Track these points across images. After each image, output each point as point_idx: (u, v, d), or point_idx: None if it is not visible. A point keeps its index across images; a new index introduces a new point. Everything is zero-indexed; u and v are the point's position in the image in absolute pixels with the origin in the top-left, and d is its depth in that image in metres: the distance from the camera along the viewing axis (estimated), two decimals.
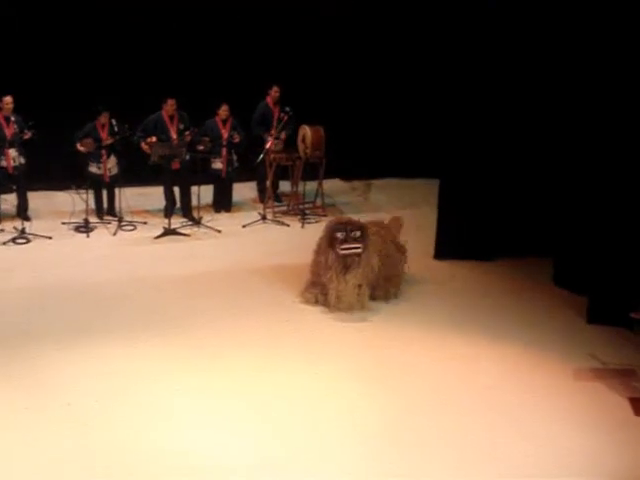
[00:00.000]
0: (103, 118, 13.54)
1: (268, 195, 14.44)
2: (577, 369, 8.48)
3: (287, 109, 14.12)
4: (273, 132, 14.32)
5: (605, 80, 9.68)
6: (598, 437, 7.13)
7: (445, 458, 6.86)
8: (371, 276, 9.94)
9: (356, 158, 16.01)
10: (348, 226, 9.83)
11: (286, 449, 6.99)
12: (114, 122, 13.45)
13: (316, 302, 10.15)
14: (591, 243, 9.91)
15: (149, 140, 13.61)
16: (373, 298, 10.31)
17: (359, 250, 9.73)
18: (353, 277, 9.79)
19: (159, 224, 13.33)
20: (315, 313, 9.95)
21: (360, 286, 9.90)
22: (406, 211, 14.18)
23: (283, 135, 14.54)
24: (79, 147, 13.40)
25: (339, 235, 9.75)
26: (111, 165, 13.79)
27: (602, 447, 6.99)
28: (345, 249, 9.70)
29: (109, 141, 13.60)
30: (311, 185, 14.70)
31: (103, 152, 13.62)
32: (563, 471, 6.67)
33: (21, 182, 13.55)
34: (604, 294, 9.55)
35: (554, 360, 8.64)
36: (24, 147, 13.37)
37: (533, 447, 7.01)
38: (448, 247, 11.86)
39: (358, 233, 9.73)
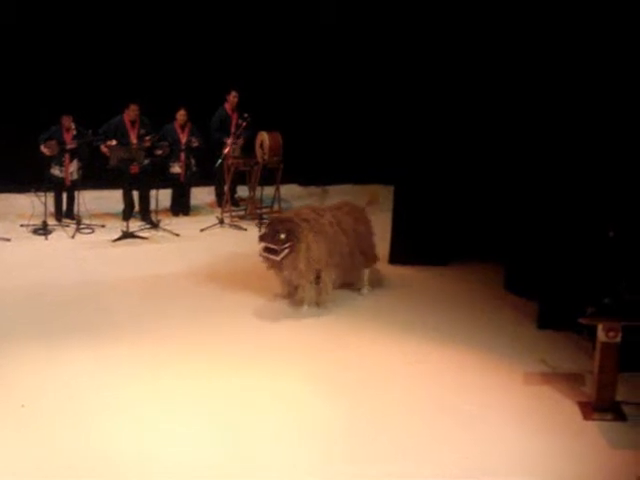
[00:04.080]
0: (67, 122, 13.60)
1: (226, 200, 14.57)
2: (527, 373, 8.55)
3: (245, 115, 14.24)
4: (231, 138, 14.43)
5: (554, 86, 9.80)
6: (547, 440, 7.24)
7: (392, 460, 6.89)
8: (308, 272, 9.72)
9: (313, 164, 16.16)
10: (275, 226, 9.57)
11: (241, 453, 6.97)
12: (73, 126, 13.54)
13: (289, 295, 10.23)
14: (541, 249, 10.01)
15: (109, 143, 13.67)
16: (351, 282, 10.68)
17: (276, 258, 9.44)
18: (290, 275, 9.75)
19: (117, 227, 13.39)
20: (273, 316, 9.95)
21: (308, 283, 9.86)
22: None
23: (241, 140, 14.64)
24: (43, 149, 13.45)
25: (265, 235, 9.64)
26: (73, 169, 13.86)
27: (551, 450, 7.10)
28: (265, 253, 9.59)
29: (72, 145, 13.66)
30: (269, 190, 14.86)
31: (66, 155, 13.68)
32: (512, 472, 6.75)
33: None
34: (554, 300, 9.66)
35: (505, 364, 8.72)
36: None
37: (482, 449, 7.06)
38: (403, 252, 11.99)
39: (283, 235, 9.39)
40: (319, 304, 10.09)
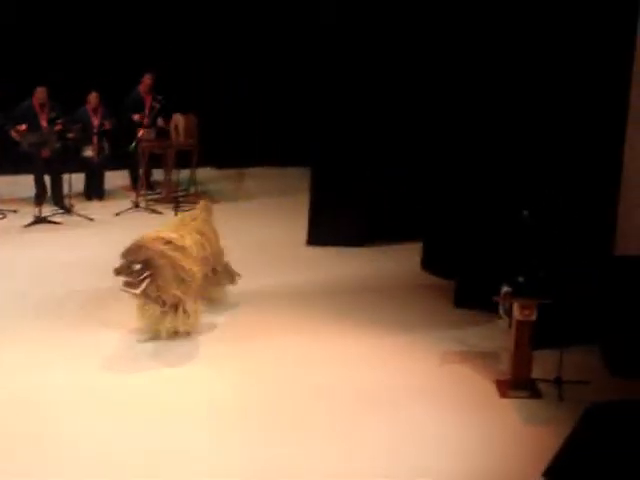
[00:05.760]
0: None
1: (141, 183, 14.39)
2: (444, 352, 8.62)
3: (159, 97, 14.10)
4: (145, 120, 14.26)
5: (468, 64, 9.89)
6: (463, 418, 7.31)
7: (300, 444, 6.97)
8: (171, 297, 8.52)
9: (229, 146, 16.09)
10: (129, 257, 8.37)
11: (152, 451, 6.77)
12: None
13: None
14: (457, 228, 10.09)
15: (19, 128, 13.42)
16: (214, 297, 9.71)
17: (136, 292, 8.29)
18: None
19: (30, 213, 13.13)
20: None
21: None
22: (279, 199, 14.38)
23: (160, 122, 14.46)
24: None
25: (120, 268, 8.40)
26: None
27: (467, 428, 7.17)
28: (124, 287, 8.38)
29: None
30: (184, 173, 14.72)
31: None
32: (426, 451, 6.81)
33: None
34: (470, 278, 9.74)
35: (422, 343, 8.78)
36: None
37: (398, 430, 7.15)
38: (320, 234, 12.00)
39: (138, 266, 8.24)
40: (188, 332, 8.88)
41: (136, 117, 14.26)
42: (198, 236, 9.05)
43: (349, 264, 11.43)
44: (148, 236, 8.58)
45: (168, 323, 8.60)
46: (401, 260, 11.45)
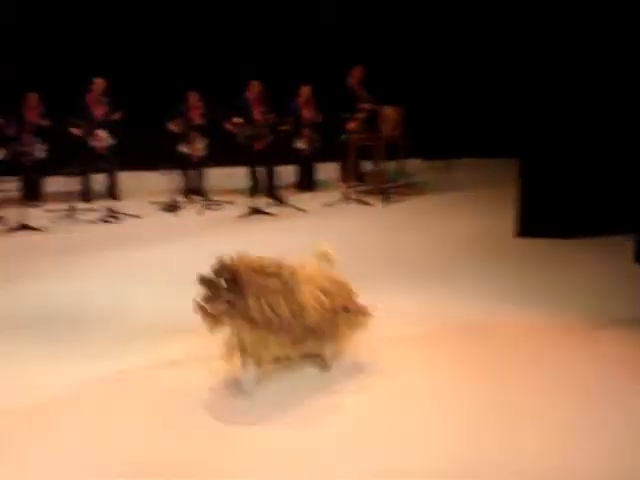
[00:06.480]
0: (193, 99, 13.93)
1: (350, 175, 14.64)
2: None
3: (366, 90, 14.41)
4: (356, 112, 14.50)
5: None
6: None
7: None
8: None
9: (436, 138, 16.14)
10: (221, 272, 6.70)
11: None
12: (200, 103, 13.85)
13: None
14: None
15: (235, 120, 13.89)
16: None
17: (209, 310, 6.52)
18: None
19: (244, 204, 13.56)
20: None
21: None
22: (485, 190, 14.34)
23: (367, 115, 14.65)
24: (171, 127, 13.79)
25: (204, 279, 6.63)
26: (200, 146, 14.14)
27: None
28: (202, 300, 6.64)
29: (199, 122, 13.96)
30: (392, 165, 14.89)
31: (193, 133, 13.98)
32: None
33: (111, 162, 13.98)
34: None
35: None
36: (114, 127, 13.81)
37: None
38: (529, 225, 11.91)
39: (224, 284, 6.60)
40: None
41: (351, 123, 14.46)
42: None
43: (556, 256, 11.23)
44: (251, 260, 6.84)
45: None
46: (612, 253, 11.19)
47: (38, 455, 5.44)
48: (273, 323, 6.60)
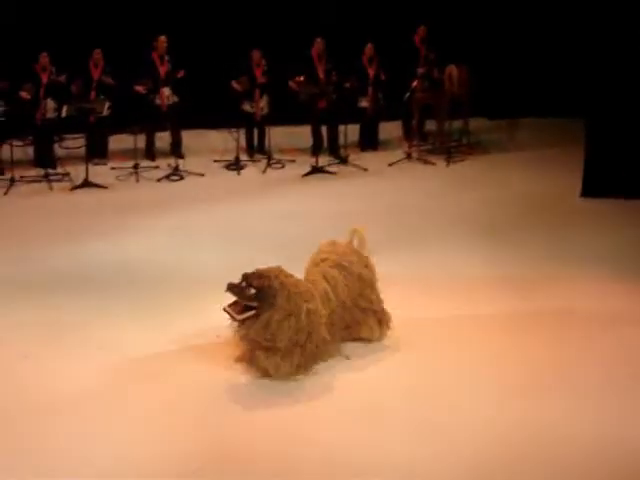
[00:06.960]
0: (256, 57, 13.93)
1: (414, 133, 14.55)
2: None
3: (430, 49, 14.25)
4: (420, 71, 14.36)
5: None
6: None
7: None
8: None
9: (501, 97, 15.97)
10: (249, 279, 6.54)
11: None
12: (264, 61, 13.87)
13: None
14: None
15: (297, 79, 13.86)
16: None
17: (237, 317, 6.46)
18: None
19: (307, 162, 13.53)
20: None
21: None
22: (551, 150, 14.18)
23: (433, 74, 14.47)
24: (234, 85, 13.82)
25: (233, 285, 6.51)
26: (263, 104, 14.13)
27: None
28: (229, 308, 6.61)
29: (263, 80, 13.95)
30: (456, 124, 14.74)
31: (256, 91, 13.97)
32: None
33: (175, 120, 14.03)
34: None
35: None
36: (178, 85, 13.85)
37: None
38: (595, 185, 11.75)
39: (252, 291, 6.42)
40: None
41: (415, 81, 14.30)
42: (325, 283, 6.93)
43: (624, 216, 11.02)
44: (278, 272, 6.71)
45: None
46: None
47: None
48: (286, 346, 6.43)
